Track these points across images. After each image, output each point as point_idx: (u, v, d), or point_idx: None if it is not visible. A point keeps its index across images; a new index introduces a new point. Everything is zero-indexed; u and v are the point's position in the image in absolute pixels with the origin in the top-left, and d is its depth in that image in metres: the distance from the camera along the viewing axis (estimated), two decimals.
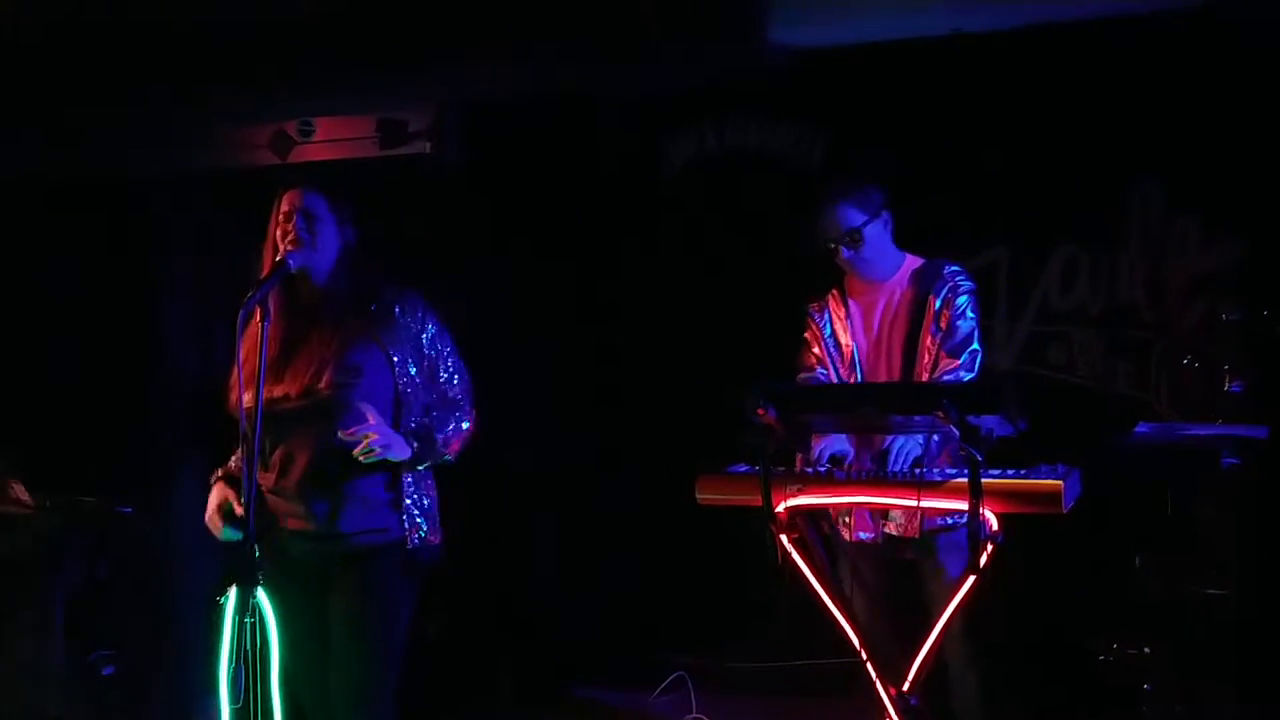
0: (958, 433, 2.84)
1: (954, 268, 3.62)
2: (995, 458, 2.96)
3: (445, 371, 3.33)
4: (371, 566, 3.21)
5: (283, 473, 3.22)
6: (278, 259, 3.20)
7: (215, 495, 3.27)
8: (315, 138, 5.50)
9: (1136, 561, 4.25)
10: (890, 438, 3.29)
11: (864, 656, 3.19)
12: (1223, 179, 4.60)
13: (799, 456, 3.41)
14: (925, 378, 3.50)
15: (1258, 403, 4.26)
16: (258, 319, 3.07)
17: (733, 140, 5.47)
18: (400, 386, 3.24)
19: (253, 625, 2.97)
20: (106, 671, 4.81)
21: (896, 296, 3.64)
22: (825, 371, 3.69)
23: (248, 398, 3.06)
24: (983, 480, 2.89)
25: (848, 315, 3.70)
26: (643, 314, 5.48)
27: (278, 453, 3.22)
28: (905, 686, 3.16)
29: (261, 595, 3.00)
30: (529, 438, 5.31)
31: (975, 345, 3.51)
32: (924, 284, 3.60)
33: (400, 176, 5.43)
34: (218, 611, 3.05)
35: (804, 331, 3.76)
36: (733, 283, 5.25)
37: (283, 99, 5.40)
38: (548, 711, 5.14)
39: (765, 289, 4.96)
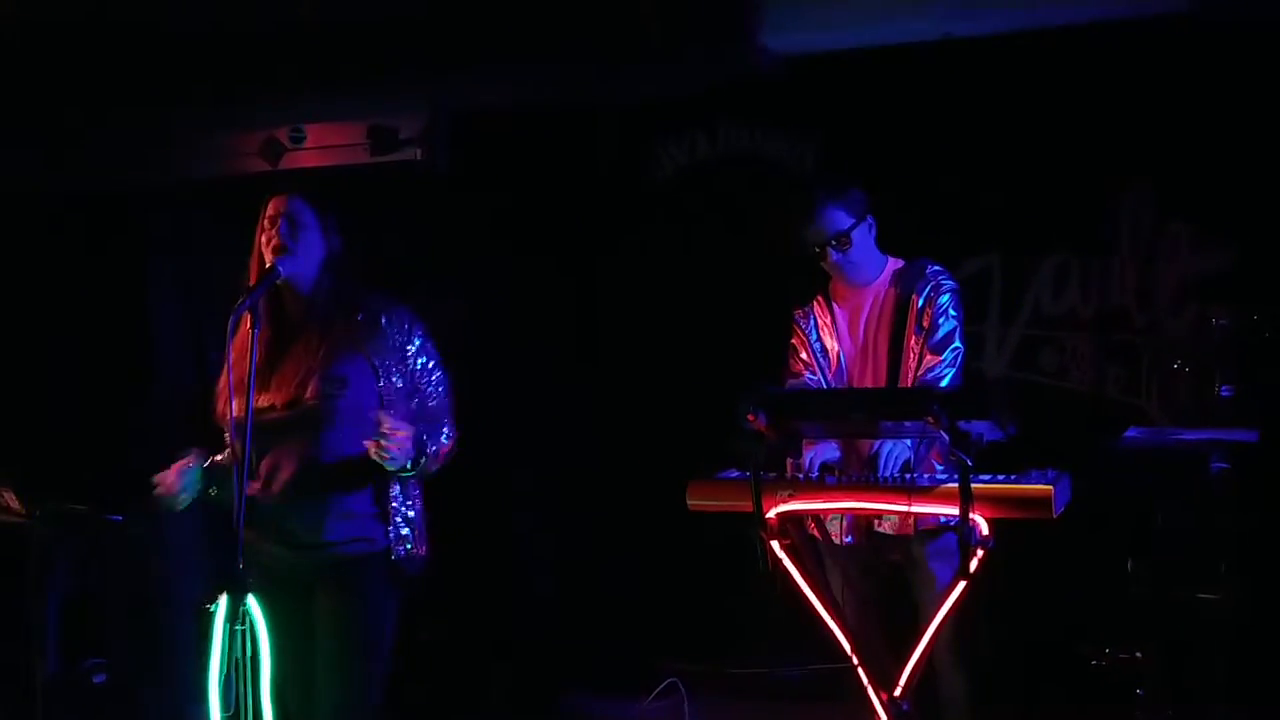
0: (948, 438, 2.84)
1: (936, 267, 3.61)
2: (985, 463, 2.95)
3: (427, 385, 3.30)
4: (356, 576, 3.19)
5: (268, 483, 3.20)
6: (267, 266, 3.19)
7: (190, 460, 3.23)
8: (306, 144, 5.49)
9: (1128, 566, 4.26)
10: (878, 442, 3.29)
11: (855, 662, 3.18)
12: (1213, 184, 4.62)
13: (789, 462, 3.41)
14: (911, 379, 3.50)
15: (1248, 407, 4.27)
16: (247, 325, 3.07)
17: (726, 146, 5.47)
18: (385, 398, 3.22)
19: (243, 633, 2.97)
20: (98, 680, 4.80)
21: (880, 299, 3.64)
22: (814, 377, 3.68)
23: (236, 406, 3.05)
24: (973, 485, 2.88)
25: (833, 320, 3.69)
26: (635, 319, 5.47)
27: (264, 463, 3.21)
28: (897, 692, 3.15)
29: (252, 603, 2.99)
30: (520, 444, 5.30)
31: (957, 343, 3.50)
32: (906, 284, 3.59)
33: (391, 183, 5.43)
34: (208, 619, 3.04)
35: (791, 338, 3.76)
36: (726, 288, 5.24)
37: (274, 106, 5.40)
38: (540, 718, 5.13)
39: (759, 294, 4.93)
